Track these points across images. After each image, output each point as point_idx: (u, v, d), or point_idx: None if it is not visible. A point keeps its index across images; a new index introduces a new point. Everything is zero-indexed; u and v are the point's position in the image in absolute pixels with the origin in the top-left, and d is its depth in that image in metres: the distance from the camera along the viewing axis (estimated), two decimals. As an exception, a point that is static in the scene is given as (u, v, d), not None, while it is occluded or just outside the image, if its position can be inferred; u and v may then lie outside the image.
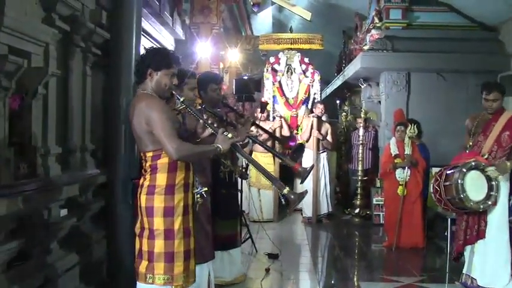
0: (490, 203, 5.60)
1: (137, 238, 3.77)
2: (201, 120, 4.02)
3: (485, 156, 5.72)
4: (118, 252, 5.22)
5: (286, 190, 3.85)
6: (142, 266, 3.68)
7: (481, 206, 5.61)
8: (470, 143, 6.00)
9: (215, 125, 4.02)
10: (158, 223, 3.65)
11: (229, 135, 3.82)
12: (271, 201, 10.65)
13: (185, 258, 3.73)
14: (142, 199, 3.70)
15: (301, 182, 6.65)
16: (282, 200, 4.05)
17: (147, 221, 3.68)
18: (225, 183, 5.81)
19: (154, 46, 4.64)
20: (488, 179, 5.64)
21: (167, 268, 3.65)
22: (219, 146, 3.74)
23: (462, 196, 5.58)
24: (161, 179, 3.68)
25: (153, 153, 3.70)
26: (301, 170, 5.36)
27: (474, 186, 5.63)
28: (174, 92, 3.86)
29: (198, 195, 3.94)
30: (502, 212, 5.66)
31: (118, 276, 5.23)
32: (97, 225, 5.26)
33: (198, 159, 4.20)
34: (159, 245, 3.65)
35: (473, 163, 5.64)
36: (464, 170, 5.64)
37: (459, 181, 5.60)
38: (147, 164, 3.74)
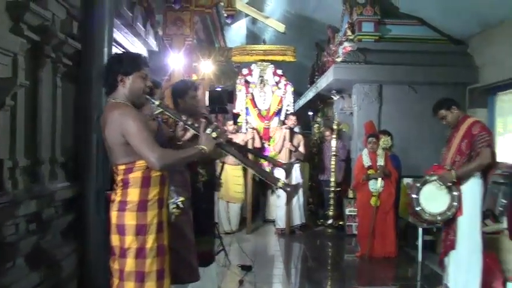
0: (449, 213, 5.62)
1: (111, 255, 3.55)
2: (180, 122, 3.80)
3: (448, 168, 5.72)
4: (90, 267, 5.07)
5: (281, 183, 3.70)
6: (115, 285, 3.49)
7: (439, 218, 5.68)
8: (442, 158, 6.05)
9: (196, 125, 3.73)
10: (130, 241, 3.43)
11: (214, 134, 3.58)
12: (238, 213, 10.65)
13: (158, 278, 3.50)
14: (113, 216, 3.48)
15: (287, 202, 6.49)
16: (276, 194, 3.98)
17: (118, 238, 3.47)
18: (203, 197, 5.48)
19: (120, 53, 4.43)
20: (450, 189, 5.66)
21: None
22: (203, 147, 3.51)
23: (417, 209, 5.74)
24: (133, 194, 3.46)
25: (126, 167, 3.47)
26: (287, 166, 5.27)
27: (433, 199, 5.71)
28: (148, 97, 3.63)
29: (174, 206, 3.80)
30: (470, 222, 5.62)
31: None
32: (67, 239, 5.11)
33: (182, 165, 3.97)
34: (130, 263, 3.43)
35: (427, 177, 5.77)
36: (418, 185, 5.78)
37: (413, 196, 5.76)
38: (119, 178, 3.51)
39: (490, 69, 9.66)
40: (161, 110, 3.73)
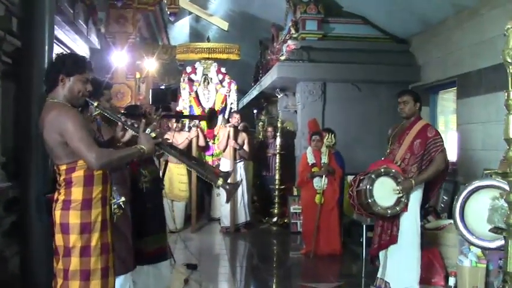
0: (398, 208, 5.71)
1: (54, 255, 3.52)
2: (119, 122, 3.76)
3: (398, 163, 5.82)
4: (33, 269, 4.97)
5: (220, 181, 3.73)
6: (58, 285, 3.45)
7: (389, 212, 5.72)
8: (388, 151, 6.11)
9: (136, 125, 3.73)
10: (74, 240, 3.41)
11: (153, 134, 3.62)
12: (183, 212, 10.63)
13: (103, 276, 3.50)
14: (57, 215, 3.45)
15: (226, 200, 6.44)
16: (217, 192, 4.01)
17: (62, 238, 3.44)
18: (148, 196, 5.45)
19: (65, 52, 4.38)
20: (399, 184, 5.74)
21: (82, 286, 3.42)
22: (142, 147, 3.54)
23: (370, 201, 5.69)
24: (77, 193, 3.44)
25: (67, 166, 3.46)
26: (223, 174, 5.27)
27: (384, 192, 5.73)
28: (87, 99, 3.62)
29: (116, 206, 3.80)
30: (413, 218, 5.75)
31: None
32: (9, 240, 5.00)
33: (121, 164, 3.95)
34: (74, 262, 3.41)
35: (382, 170, 5.75)
36: (373, 177, 5.74)
37: (368, 186, 5.71)
38: (61, 178, 3.49)
39: (432, 68, 9.86)
40: (99, 111, 3.74)
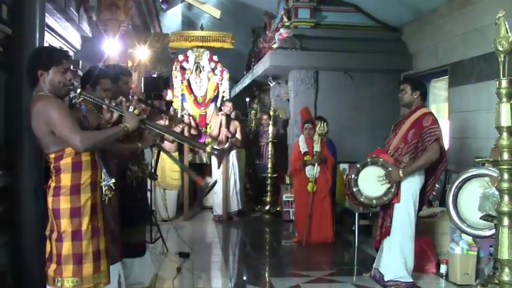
0: (385, 199, 5.73)
1: (48, 241, 3.66)
2: (104, 105, 3.92)
3: (391, 153, 5.82)
4: (24, 260, 4.95)
5: (209, 148, 3.91)
6: (51, 270, 3.59)
7: (374, 202, 5.77)
8: (386, 141, 6.11)
9: (119, 106, 3.87)
10: (65, 225, 3.56)
11: (136, 111, 3.77)
12: (175, 200, 10.63)
13: (95, 259, 3.66)
14: (49, 201, 3.62)
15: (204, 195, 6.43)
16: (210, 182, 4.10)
17: (55, 223, 3.59)
18: (133, 190, 5.42)
19: (40, 46, 4.43)
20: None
21: (76, 270, 3.56)
22: (126, 125, 3.68)
23: (354, 190, 5.77)
24: (66, 179, 3.61)
25: (55, 155, 3.61)
26: (203, 185, 5.30)
27: (371, 182, 5.77)
28: (70, 87, 3.72)
29: (106, 188, 3.85)
30: (406, 209, 5.76)
31: (24, 284, 4.97)
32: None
33: (105, 144, 3.96)
34: (66, 247, 3.56)
35: (369, 159, 5.81)
36: (358, 166, 5.82)
37: (352, 176, 5.78)
38: (52, 166, 3.64)
39: (424, 56, 9.89)
40: (83, 97, 3.88)
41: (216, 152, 3.94)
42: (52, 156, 3.62)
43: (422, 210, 6.62)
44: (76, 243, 3.58)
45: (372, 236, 8.00)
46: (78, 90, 3.76)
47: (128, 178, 5.33)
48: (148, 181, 6.66)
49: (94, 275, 3.64)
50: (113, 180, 3.89)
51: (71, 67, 3.77)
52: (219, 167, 9.94)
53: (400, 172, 5.65)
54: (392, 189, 5.71)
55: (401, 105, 6.08)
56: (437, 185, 8.04)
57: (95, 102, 4.01)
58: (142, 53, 12.94)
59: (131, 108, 3.79)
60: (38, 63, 3.63)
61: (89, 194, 3.68)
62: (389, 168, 5.68)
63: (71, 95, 4.05)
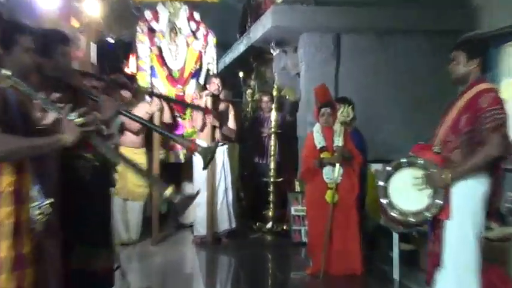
0: (428, 214, 5.48)
1: None
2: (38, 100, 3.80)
3: (436, 149, 5.57)
4: None
5: (169, 191, 3.80)
6: None
7: (411, 219, 5.53)
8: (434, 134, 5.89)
9: (59, 106, 3.78)
10: None
11: (79, 120, 3.67)
12: (140, 216, 10.47)
13: None
14: None
15: (204, 168, 6.25)
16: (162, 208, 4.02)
17: None
18: (93, 192, 5.30)
19: None
20: None
21: None
22: (63, 136, 3.60)
23: (383, 202, 5.58)
24: None
25: None
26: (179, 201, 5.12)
27: (407, 191, 5.56)
28: None
29: (38, 211, 3.68)
30: (461, 228, 5.41)
31: None
32: None
33: (28, 156, 3.84)
34: None
35: (403, 160, 5.60)
36: (389, 169, 5.63)
37: (380, 183, 5.62)
38: None
39: (494, 10, 9.80)
40: (13, 82, 3.69)
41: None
42: None
43: (492, 230, 6.45)
44: None
45: (420, 267, 7.81)
46: (8, 73, 3.62)
47: (80, 170, 5.16)
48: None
49: None
50: (50, 201, 3.77)
51: None
52: (205, 168, 9.76)
53: (448, 174, 5.40)
54: (438, 201, 5.47)
55: (453, 82, 5.80)
56: (510, 193, 7.89)
57: (24, 92, 3.81)
58: (93, 8, 12.80)
59: (73, 116, 3.67)
60: None
61: (10, 208, 3.54)
62: (432, 170, 5.46)
63: None
